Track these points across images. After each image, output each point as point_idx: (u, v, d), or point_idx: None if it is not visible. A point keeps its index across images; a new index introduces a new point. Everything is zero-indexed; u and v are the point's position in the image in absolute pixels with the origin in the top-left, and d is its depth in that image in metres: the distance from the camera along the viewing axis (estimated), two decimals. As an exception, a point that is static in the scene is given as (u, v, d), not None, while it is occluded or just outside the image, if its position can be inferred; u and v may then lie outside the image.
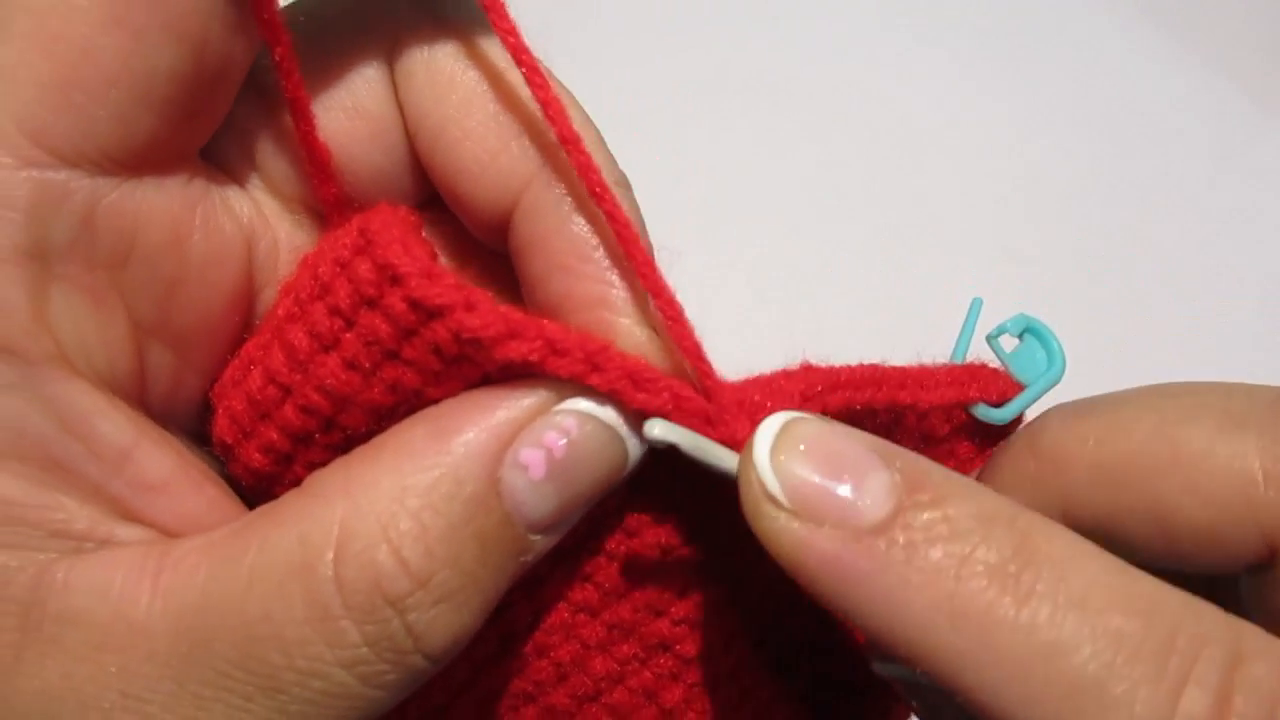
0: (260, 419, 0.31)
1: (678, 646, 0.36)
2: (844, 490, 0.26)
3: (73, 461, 0.27)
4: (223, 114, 0.30)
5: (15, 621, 0.26)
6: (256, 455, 0.31)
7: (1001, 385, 0.36)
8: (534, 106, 0.30)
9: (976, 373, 0.36)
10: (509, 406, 0.28)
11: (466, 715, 0.35)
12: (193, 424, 0.33)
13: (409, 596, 0.26)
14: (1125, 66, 0.88)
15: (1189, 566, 0.31)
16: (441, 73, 0.31)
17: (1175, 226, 0.82)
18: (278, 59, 0.28)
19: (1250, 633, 0.25)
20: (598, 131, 0.31)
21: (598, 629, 0.34)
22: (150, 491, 0.29)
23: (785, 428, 0.28)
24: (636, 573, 0.34)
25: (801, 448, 0.27)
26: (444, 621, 0.27)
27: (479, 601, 0.28)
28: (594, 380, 0.28)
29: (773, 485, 0.27)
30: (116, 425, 0.28)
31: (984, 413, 0.35)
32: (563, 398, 0.28)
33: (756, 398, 0.29)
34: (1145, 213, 0.82)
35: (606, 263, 0.30)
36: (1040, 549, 0.26)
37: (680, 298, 0.30)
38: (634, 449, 0.29)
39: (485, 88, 0.31)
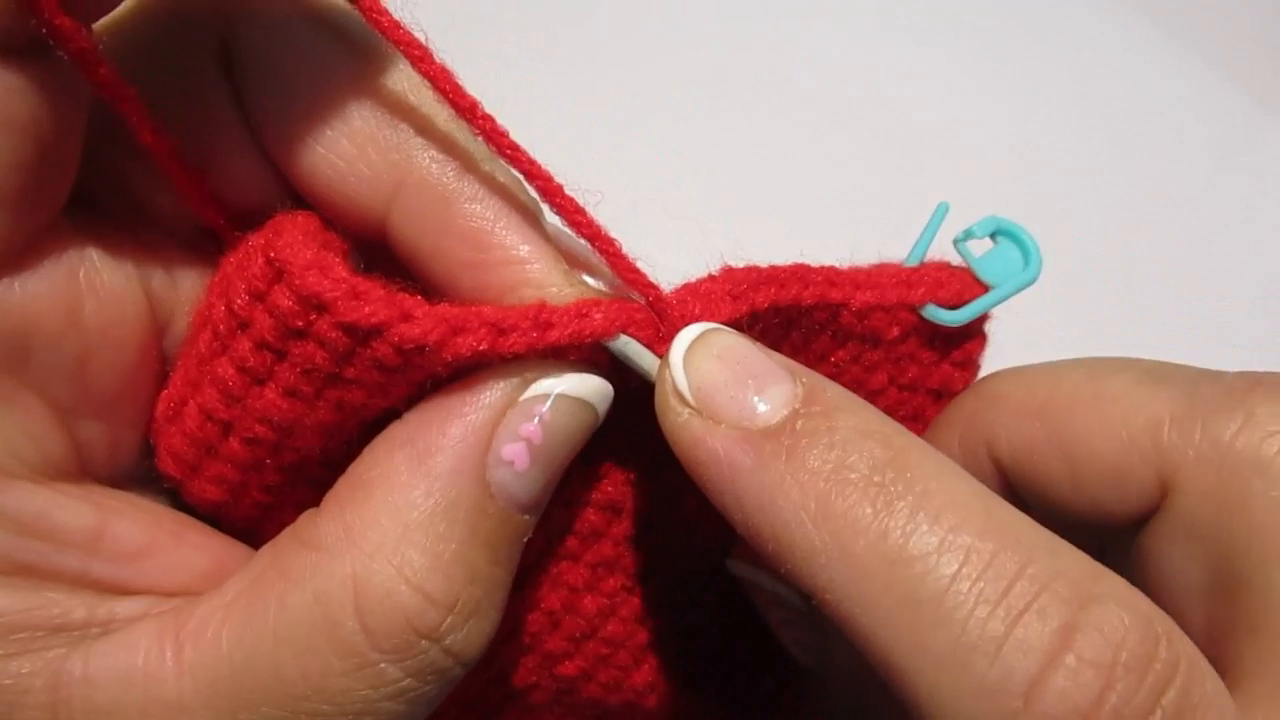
0: (205, 455, 0.30)
1: (661, 570, 0.37)
2: (745, 394, 0.28)
3: (44, 561, 0.27)
4: (75, 171, 0.28)
5: None
6: (209, 488, 0.31)
7: (960, 287, 0.35)
8: (387, 100, 0.28)
9: (927, 274, 0.35)
10: (477, 408, 0.28)
11: (468, 675, 0.35)
12: (142, 471, 0.32)
13: (441, 624, 0.27)
14: (1125, 66, 0.88)
15: (1087, 514, 0.32)
16: (279, 75, 0.28)
17: (1175, 226, 0.82)
18: (126, 116, 0.26)
19: (1109, 578, 0.25)
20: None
21: (581, 571, 0.35)
22: (134, 560, 0.28)
23: (703, 335, 0.29)
24: (611, 511, 0.35)
25: (715, 353, 0.28)
26: (477, 631, 0.28)
27: (501, 595, 0.29)
28: (550, 338, 0.28)
29: (682, 384, 0.28)
30: (75, 511, 0.28)
31: (934, 314, 0.34)
32: (521, 379, 0.28)
33: (697, 310, 0.30)
34: (1145, 213, 0.82)
35: (511, 238, 0.29)
36: (911, 465, 0.26)
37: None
38: (601, 402, 0.30)
39: (332, 87, 0.28)
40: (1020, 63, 0.87)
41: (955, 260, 0.37)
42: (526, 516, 0.29)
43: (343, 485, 0.29)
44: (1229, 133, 0.86)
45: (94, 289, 0.28)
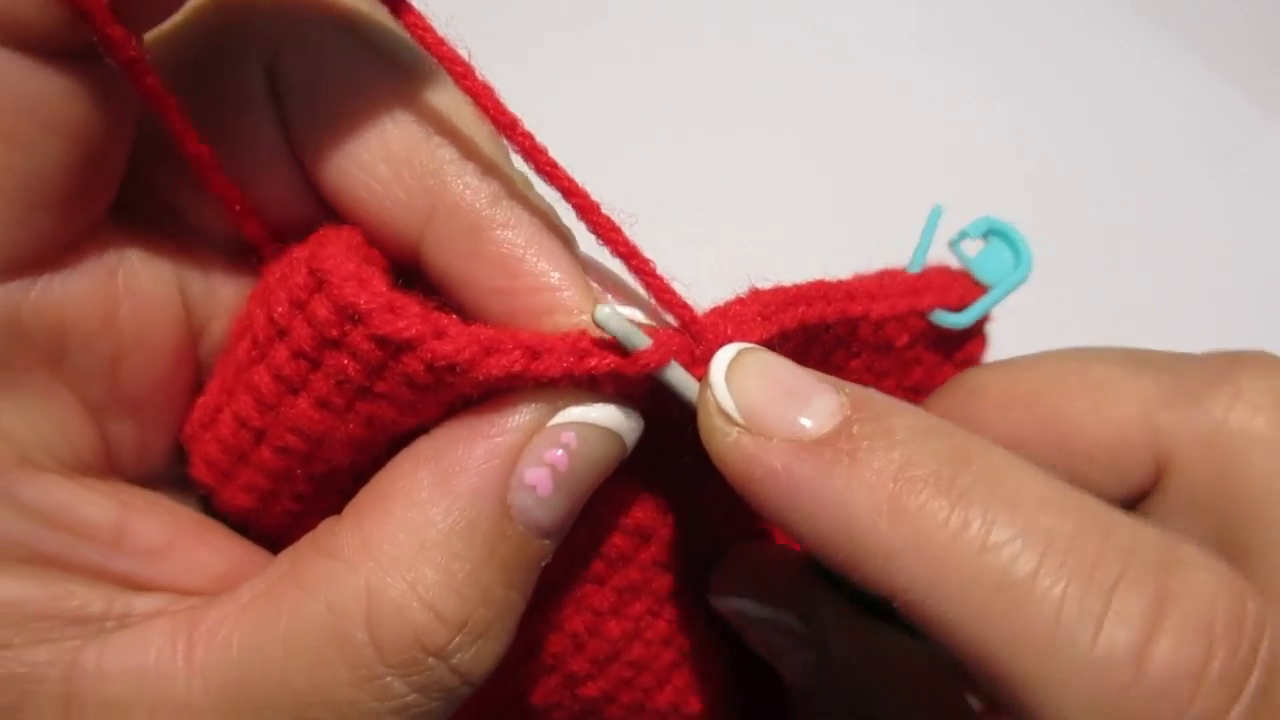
0: (237, 462, 0.30)
1: (687, 592, 0.37)
2: (793, 408, 0.28)
3: (68, 552, 0.27)
4: (120, 177, 0.28)
5: (58, 716, 0.26)
6: (240, 495, 0.31)
7: (961, 290, 0.36)
8: (425, 125, 0.28)
9: (932, 279, 0.36)
10: (504, 431, 0.28)
11: (489, 690, 0.35)
12: (172, 474, 0.33)
13: (450, 644, 0.27)
14: (1125, 66, 0.88)
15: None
16: (320, 96, 0.28)
17: (1175, 226, 0.82)
18: (169, 125, 0.27)
19: (1188, 546, 0.26)
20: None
21: (607, 595, 0.35)
22: (154, 557, 0.29)
23: (740, 354, 0.29)
24: (639, 537, 0.35)
25: (756, 371, 0.28)
26: (486, 652, 0.28)
27: (513, 618, 0.29)
28: (587, 365, 0.28)
29: (727, 403, 0.28)
30: (99, 506, 0.28)
31: (942, 318, 0.35)
32: (551, 405, 0.28)
33: (729, 332, 0.30)
34: (1145, 213, 0.82)
35: (541, 265, 0.29)
36: (975, 456, 0.27)
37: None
38: (629, 434, 0.30)
39: (370, 111, 0.28)
40: (1020, 63, 0.87)
41: (951, 261, 0.37)
42: (546, 542, 0.29)
43: (365, 496, 0.29)
44: (1229, 133, 0.86)
45: (131, 292, 0.29)
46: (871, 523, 0.26)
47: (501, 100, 0.28)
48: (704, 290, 0.32)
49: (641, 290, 0.30)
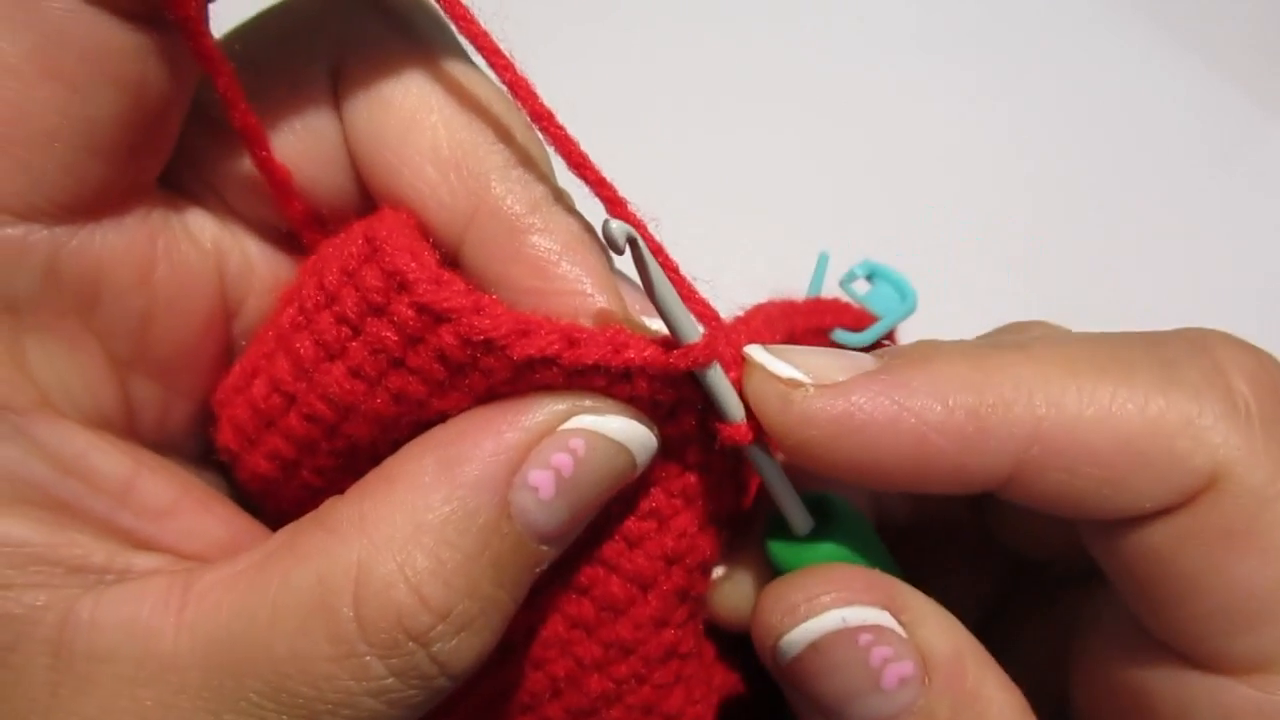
0: (265, 427, 0.31)
1: (681, 652, 0.35)
2: (853, 359, 0.29)
3: (77, 500, 0.28)
4: (172, 144, 0.30)
5: (47, 660, 0.26)
6: (263, 462, 0.31)
7: (855, 316, 0.38)
8: (474, 130, 0.30)
9: (832, 305, 0.38)
10: (516, 428, 0.28)
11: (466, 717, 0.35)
12: (189, 445, 0.33)
13: (431, 630, 0.27)
14: (1125, 66, 0.88)
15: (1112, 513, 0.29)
16: (379, 95, 0.30)
17: (1174, 227, 0.82)
18: (221, 90, 0.28)
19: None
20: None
21: (593, 648, 0.34)
22: (159, 518, 0.29)
23: (767, 347, 0.30)
24: (638, 586, 0.33)
25: (792, 349, 0.29)
26: (466, 646, 0.28)
27: (499, 619, 0.29)
28: (624, 357, 0.28)
29: (786, 369, 0.28)
30: (112, 459, 0.29)
31: (842, 337, 0.37)
32: (569, 409, 0.28)
33: (744, 341, 0.30)
34: (1145, 213, 0.82)
35: (575, 271, 0.30)
36: (1020, 325, 0.32)
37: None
38: (641, 452, 0.30)
39: (425, 113, 0.30)
40: (1020, 63, 0.87)
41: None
42: (544, 548, 0.29)
43: (371, 476, 0.29)
44: (1229, 133, 0.86)
45: (169, 256, 0.30)
46: (979, 390, 0.27)
47: (539, 94, 0.29)
48: (704, 290, 0.32)
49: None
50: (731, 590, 0.35)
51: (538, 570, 0.29)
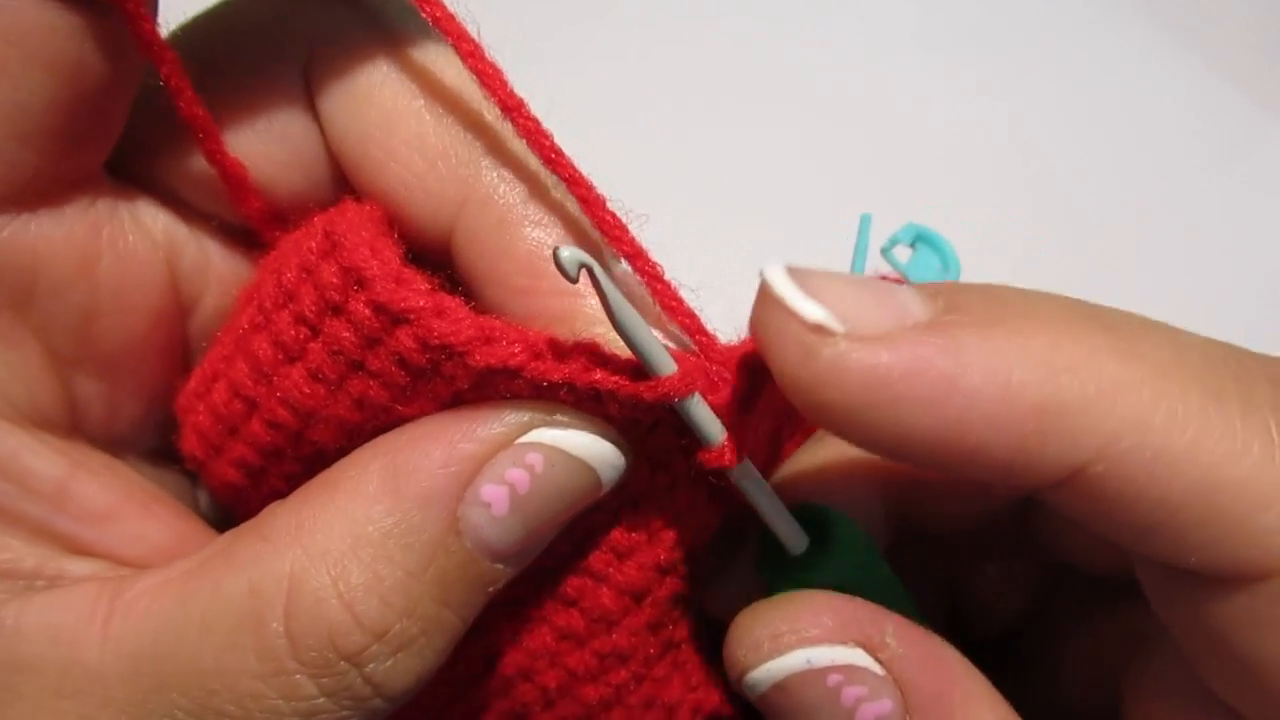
0: (228, 434, 0.30)
1: (675, 641, 0.34)
2: (890, 298, 0.23)
3: (8, 503, 0.26)
4: (116, 133, 0.28)
5: None
6: (229, 470, 0.30)
7: None
8: (461, 117, 0.28)
9: None
10: (470, 438, 0.26)
11: None
12: (141, 443, 0.32)
13: (364, 650, 0.25)
14: (1125, 66, 0.88)
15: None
16: (358, 88, 0.28)
17: (1174, 227, 0.82)
18: (165, 78, 0.27)
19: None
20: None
21: (586, 657, 0.32)
22: (97, 522, 0.28)
23: (791, 270, 0.23)
24: (630, 598, 0.32)
25: (827, 276, 0.23)
26: (404, 667, 0.26)
27: (443, 640, 0.27)
28: (592, 378, 0.26)
29: (817, 313, 0.22)
30: (47, 460, 0.27)
31: None
32: (529, 421, 0.26)
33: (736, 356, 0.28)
34: (1145, 213, 0.82)
35: None
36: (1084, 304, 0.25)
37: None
38: (607, 472, 0.28)
39: (408, 101, 0.28)
40: (1020, 63, 0.87)
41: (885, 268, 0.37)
42: (498, 566, 0.27)
43: (316, 480, 0.27)
44: (1229, 133, 0.86)
45: (115, 248, 0.28)
46: (1049, 369, 0.22)
47: (508, 82, 0.27)
48: (701, 292, 0.31)
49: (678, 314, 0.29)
50: (725, 594, 0.34)
51: (491, 589, 0.27)
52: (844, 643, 0.27)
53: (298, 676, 0.25)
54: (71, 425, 0.29)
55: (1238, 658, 0.24)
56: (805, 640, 0.27)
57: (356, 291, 0.26)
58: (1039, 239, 0.80)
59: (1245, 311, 0.78)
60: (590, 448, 0.27)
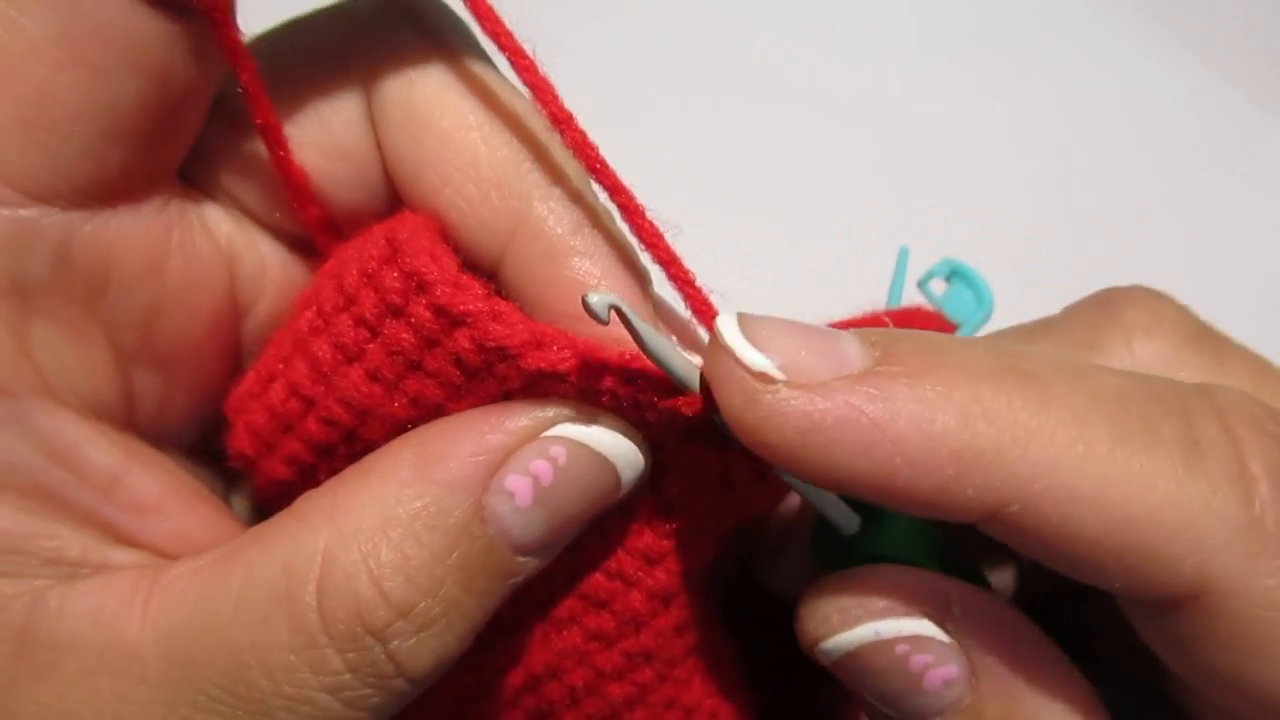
0: (283, 432, 0.31)
1: (698, 646, 0.35)
2: (830, 347, 0.25)
3: (63, 490, 0.27)
4: (192, 136, 0.29)
5: (10, 648, 0.26)
6: (280, 467, 0.31)
7: (938, 326, 0.37)
8: (513, 137, 0.29)
9: (913, 319, 0.36)
10: (498, 430, 0.27)
11: None
12: (184, 439, 0.33)
13: (389, 626, 0.26)
14: (1125, 66, 0.88)
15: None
16: (418, 113, 0.29)
17: (1174, 227, 0.82)
18: (244, 84, 0.28)
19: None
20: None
21: (614, 657, 0.33)
22: (143, 514, 0.29)
23: (742, 319, 0.26)
24: (660, 600, 0.33)
25: (772, 325, 0.25)
26: (427, 647, 0.27)
27: (464, 626, 0.28)
28: (631, 391, 0.27)
29: (759, 361, 0.24)
30: (104, 451, 0.28)
31: None
32: (556, 415, 0.28)
33: None
34: (1145, 213, 0.82)
35: None
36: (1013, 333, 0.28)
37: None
38: (627, 471, 0.29)
39: (464, 130, 0.29)
40: (1020, 63, 0.87)
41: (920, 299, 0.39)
42: (520, 559, 0.28)
43: (351, 468, 0.29)
44: (1229, 133, 0.86)
45: (182, 249, 0.30)
46: (970, 427, 0.24)
47: (559, 96, 0.28)
48: (730, 297, 0.31)
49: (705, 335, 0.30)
50: (788, 572, 0.35)
51: (511, 583, 0.28)
52: (909, 614, 0.28)
53: (326, 650, 0.26)
54: (126, 418, 0.30)
55: (1201, 673, 0.26)
56: (872, 614, 0.28)
57: (417, 295, 0.27)
58: (1039, 239, 0.80)
59: (1245, 311, 0.78)
60: (613, 445, 0.28)
